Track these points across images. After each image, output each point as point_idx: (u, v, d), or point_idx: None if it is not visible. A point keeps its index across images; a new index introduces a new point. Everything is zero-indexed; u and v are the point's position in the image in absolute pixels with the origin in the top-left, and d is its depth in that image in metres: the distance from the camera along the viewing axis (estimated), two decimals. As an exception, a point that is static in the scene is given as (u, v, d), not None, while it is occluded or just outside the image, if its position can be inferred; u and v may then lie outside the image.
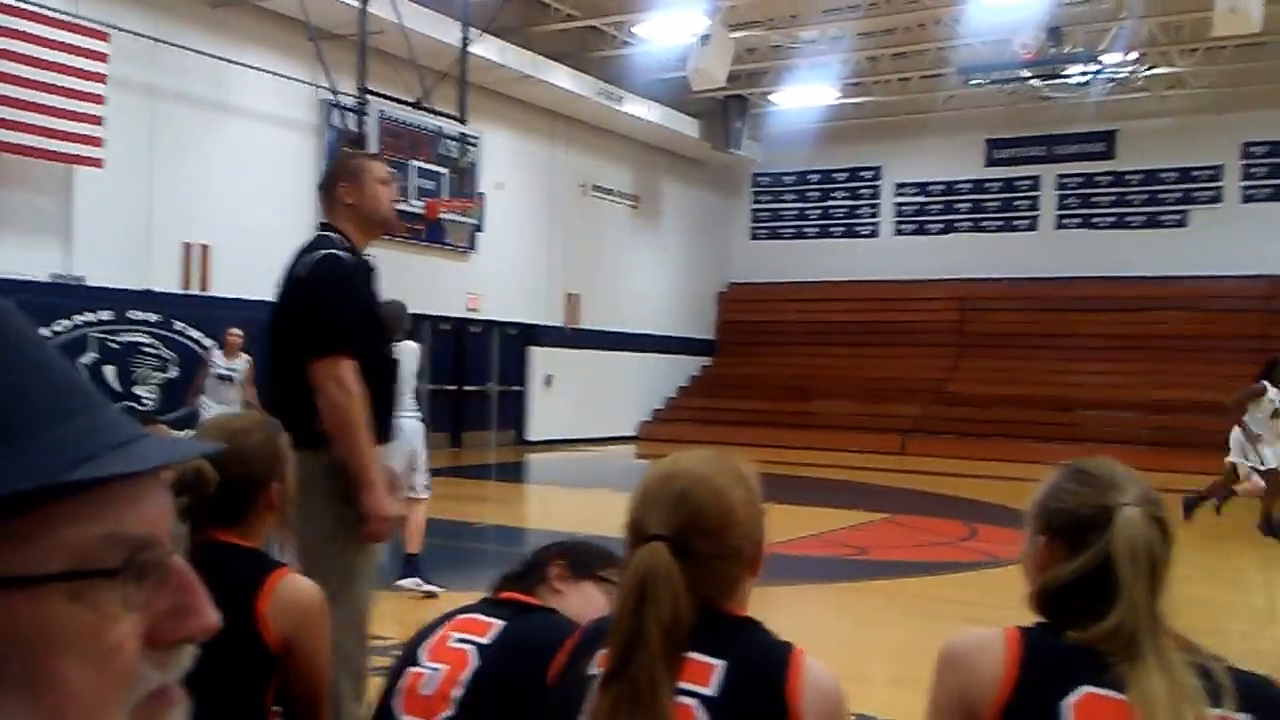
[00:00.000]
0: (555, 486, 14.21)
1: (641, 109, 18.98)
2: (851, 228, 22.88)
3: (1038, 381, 19.12)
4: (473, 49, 13.94)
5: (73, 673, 0.53)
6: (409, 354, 6.84)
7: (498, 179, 16.79)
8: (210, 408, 10.54)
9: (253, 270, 13.44)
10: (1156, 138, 19.89)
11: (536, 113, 18.02)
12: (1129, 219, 20.45)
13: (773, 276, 23.06)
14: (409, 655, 1.93)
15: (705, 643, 1.53)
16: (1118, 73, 16.93)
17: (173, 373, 12.28)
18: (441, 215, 14.15)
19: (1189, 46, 17.06)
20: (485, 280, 17.15)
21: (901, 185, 22.35)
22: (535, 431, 18.64)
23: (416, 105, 13.53)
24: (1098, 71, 16.54)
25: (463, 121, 13.95)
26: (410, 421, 6.79)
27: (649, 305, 21.28)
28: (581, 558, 2.07)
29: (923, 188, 22.15)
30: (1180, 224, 20.05)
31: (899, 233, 22.40)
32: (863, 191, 22.75)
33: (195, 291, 12.92)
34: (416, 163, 13.86)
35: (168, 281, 12.67)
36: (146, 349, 12.17)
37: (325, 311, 3.21)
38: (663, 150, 21.18)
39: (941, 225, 22.02)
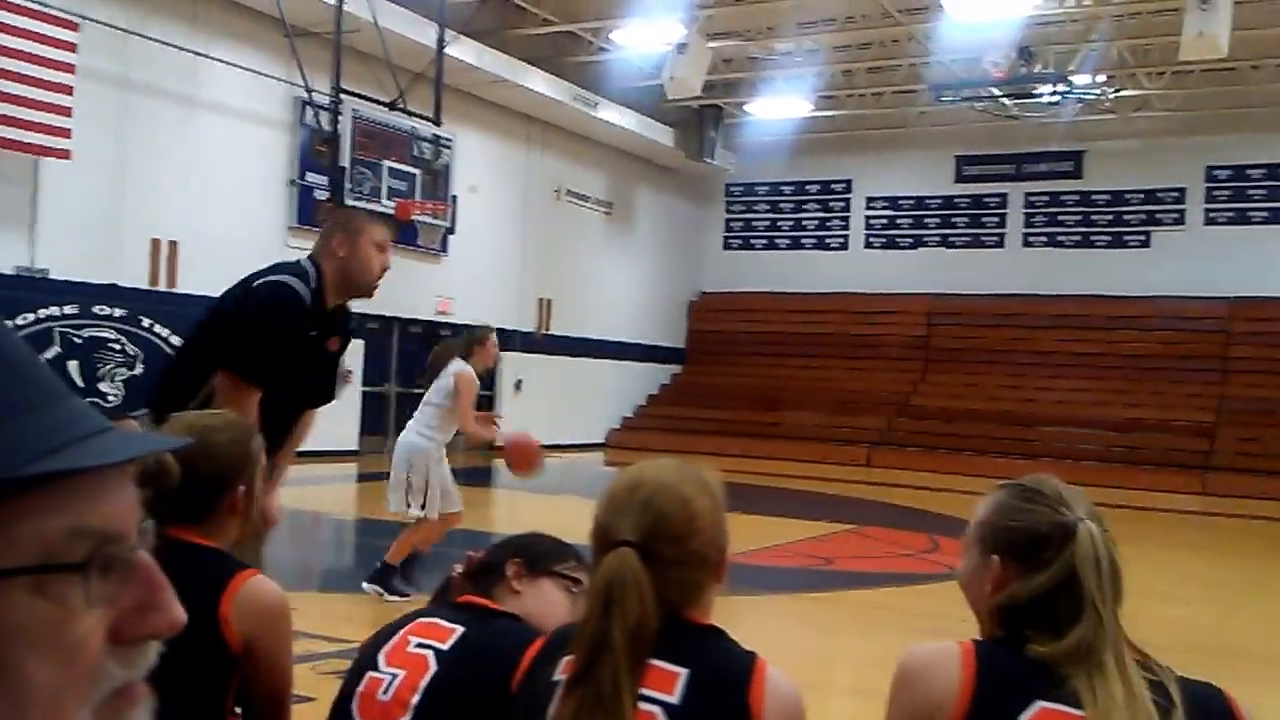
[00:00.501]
0: (522, 492, 14.16)
1: (617, 116, 19.00)
2: (822, 240, 23.00)
3: (1001, 397, 19.29)
4: (449, 51, 13.91)
5: (35, 667, 0.52)
6: (447, 375, 6.60)
7: (471, 182, 16.75)
8: None
9: (222, 268, 13.30)
10: (1123, 159, 20.13)
11: (512, 116, 17.99)
12: (1094, 238, 20.68)
13: (744, 286, 23.13)
14: (368, 658, 1.92)
15: (669, 650, 1.54)
16: (1087, 94, 17.13)
17: (138, 369, 12.16)
18: (414, 217, 14.08)
19: (1157, 70, 17.29)
20: (456, 284, 17.10)
21: (872, 199, 22.49)
22: (503, 436, 18.56)
23: (391, 106, 13.48)
24: (1067, 92, 16.73)
25: (437, 123, 13.91)
26: (413, 438, 6.57)
27: (620, 312, 21.28)
28: (536, 555, 2.07)
29: (893, 202, 22.31)
30: (1144, 244, 20.30)
31: (869, 246, 22.53)
32: (834, 204, 22.88)
33: (163, 288, 12.79)
34: (389, 163, 13.79)
35: (135, 277, 12.54)
36: (111, 345, 12.04)
37: (247, 333, 3.32)
38: (637, 157, 21.21)
39: (911, 240, 22.18)
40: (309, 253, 3.59)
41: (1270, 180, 19.46)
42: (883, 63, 18.30)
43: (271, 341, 3.33)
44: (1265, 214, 19.49)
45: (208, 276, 12.81)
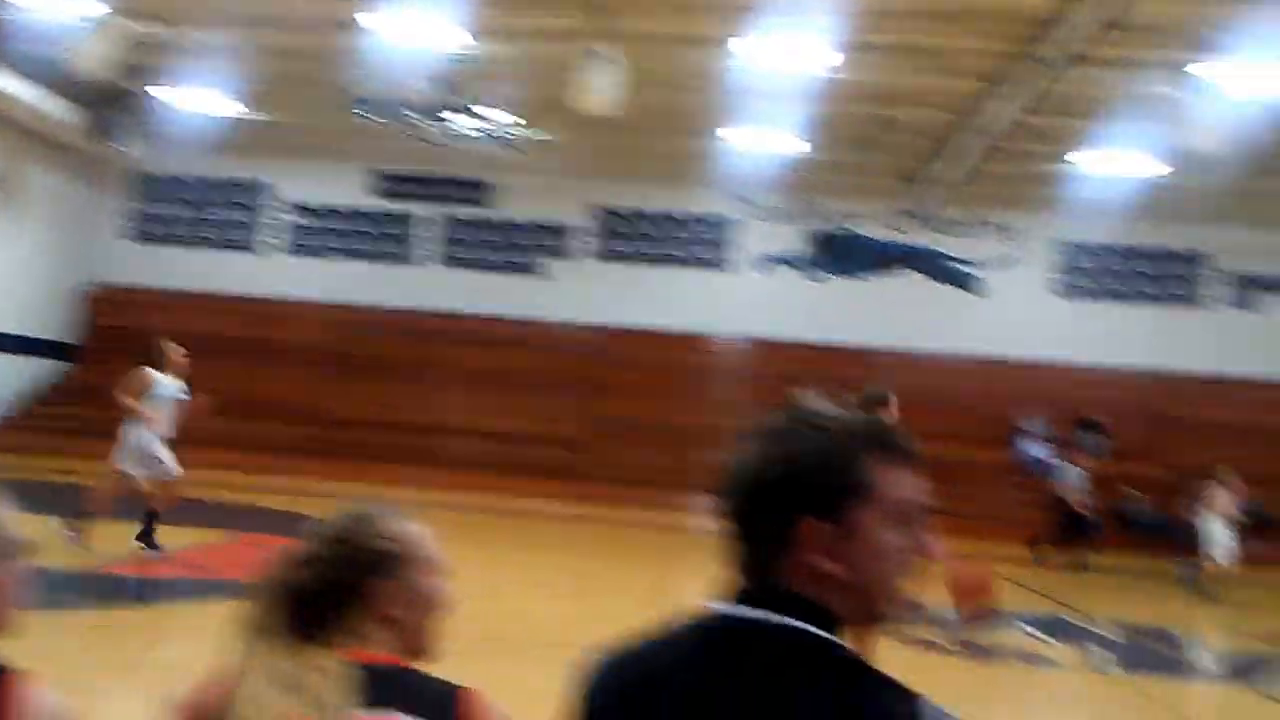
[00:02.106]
0: None
1: (10, 84, 17.14)
2: (236, 241, 22.51)
3: (405, 407, 20.19)
4: None
5: None
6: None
7: None
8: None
9: None
10: (527, 192, 22.09)
11: None
12: (495, 263, 22.47)
13: (151, 281, 21.87)
14: None
15: None
16: (497, 129, 18.59)
17: None
18: None
19: (560, 114, 19.20)
20: None
21: (291, 204, 22.47)
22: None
23: None
24: (481, 125, 18.07)
25: None
26: None
27: (-1, 299, 19.14)
28: None
29: (311, 210, 22.46)
30: (539, 272, 22.45)
31: (284, 251, 22.46)
32: (250, 205, 22.50)
33: None
34: None
35: None
36: None
37: None
38: (31, 132, 19.23)
39: (327, 249, 22.48)
40: None
41: (645, 226, 22.52)
42: (309, 68, 18.37)
43: None
44: (638, 254, 22.51)
45: None
